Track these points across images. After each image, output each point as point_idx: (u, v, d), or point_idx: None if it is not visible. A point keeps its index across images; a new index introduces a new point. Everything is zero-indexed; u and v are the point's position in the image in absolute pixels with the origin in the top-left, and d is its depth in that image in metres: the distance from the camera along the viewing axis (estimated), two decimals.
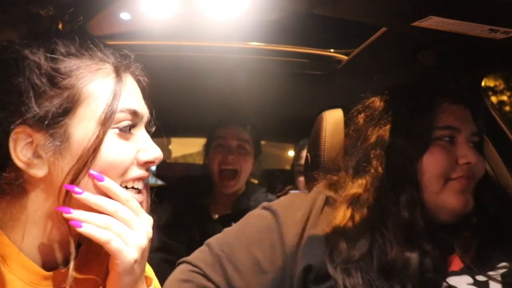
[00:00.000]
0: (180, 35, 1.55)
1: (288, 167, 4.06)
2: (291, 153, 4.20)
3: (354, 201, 1.08)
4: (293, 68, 1.78)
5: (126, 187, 0.80)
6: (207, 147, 2.24)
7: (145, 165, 0.82)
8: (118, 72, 0.80)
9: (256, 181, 3.42)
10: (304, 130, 1.88)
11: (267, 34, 1.69)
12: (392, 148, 1.09)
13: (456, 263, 1.07)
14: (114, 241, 0.74)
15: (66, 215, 0.74)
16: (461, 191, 1.07)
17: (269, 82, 1.94)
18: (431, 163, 1.07)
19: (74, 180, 0.75)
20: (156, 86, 1.85)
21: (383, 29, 1.35)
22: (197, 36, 1.58)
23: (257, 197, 2.19)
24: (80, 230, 0.74)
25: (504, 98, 11.96)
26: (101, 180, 0.76)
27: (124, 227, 0.76)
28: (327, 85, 1.82)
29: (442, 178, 1.07)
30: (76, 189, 0.74)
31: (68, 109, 0.75)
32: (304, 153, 1.71)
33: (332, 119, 1.25)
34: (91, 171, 0.76)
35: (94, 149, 0.75)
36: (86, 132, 0.75)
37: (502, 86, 11.78)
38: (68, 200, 0.75)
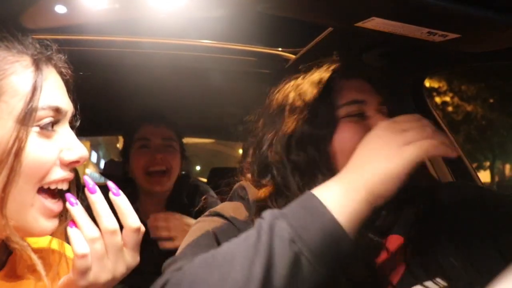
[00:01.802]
0: (122, 30, 1.50)
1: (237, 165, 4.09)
2: (241, 151, 4.20)
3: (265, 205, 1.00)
4: (241, 66, 1.77)
5: (49, 189, 0.74)
6: (125, 150, 2.01)
7: (70, 165, 0.76)
8: (38, 64, 0.72)
9: (205, 180, 3.41)
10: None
11: (216, 32, 1.68)
12: (298, 140, 1.01)
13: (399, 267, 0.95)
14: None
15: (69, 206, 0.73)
16: None
17: (218, 80, 1.92)
18: (343, 143, 0.98)
19: (4, 192, 0.67)
20: (102, 83, 1.79)
21: (330, 29, 1.36)
22: (141, 31, 1.54)
23: (191, 191, 2.07)
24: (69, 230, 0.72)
25: (447, 98, 12.49)
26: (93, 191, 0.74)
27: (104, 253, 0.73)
28: (274, 83, 1.82)
29: None
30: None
31: None
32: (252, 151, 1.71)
33: None
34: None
35: (17, 151, 0.67)
36: (4, 132, 0.68)
37: (445, 88, 12.30)
38: None
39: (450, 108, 12.44)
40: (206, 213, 1.05)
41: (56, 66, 0.78)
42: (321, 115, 1.01)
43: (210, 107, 2.62)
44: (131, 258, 0.76)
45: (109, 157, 6.77)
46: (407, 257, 0.94)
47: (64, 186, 0.76)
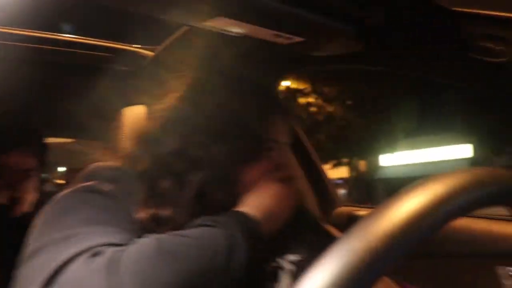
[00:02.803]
0: None
1: None
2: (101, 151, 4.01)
3: None
4: (97, 62, 1.68)
5: None
6: None
7: None
8: None
9: (64, 182, 3.20)
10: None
11: (69, 25, 1.57)
12: None
13: None
14: None
15: None
16: None
17: (72, 76, 1.81)
18: None
19: None
20: None
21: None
22: None
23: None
24: None
25: (311, 99, 13.25)
26: None
27: None
28: (133, 81, 1.77)
29: None
30: None
31: None
32: None
33: (132, 116, 1.21)
34: None
35: None
36: None
37: (309, 89, 13.03)
38: None
39: (313, 109, 13.18)
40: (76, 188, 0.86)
41: None
42: None
43: (68, 105, 2.45)
44: None
45: None
46: None
47: None
